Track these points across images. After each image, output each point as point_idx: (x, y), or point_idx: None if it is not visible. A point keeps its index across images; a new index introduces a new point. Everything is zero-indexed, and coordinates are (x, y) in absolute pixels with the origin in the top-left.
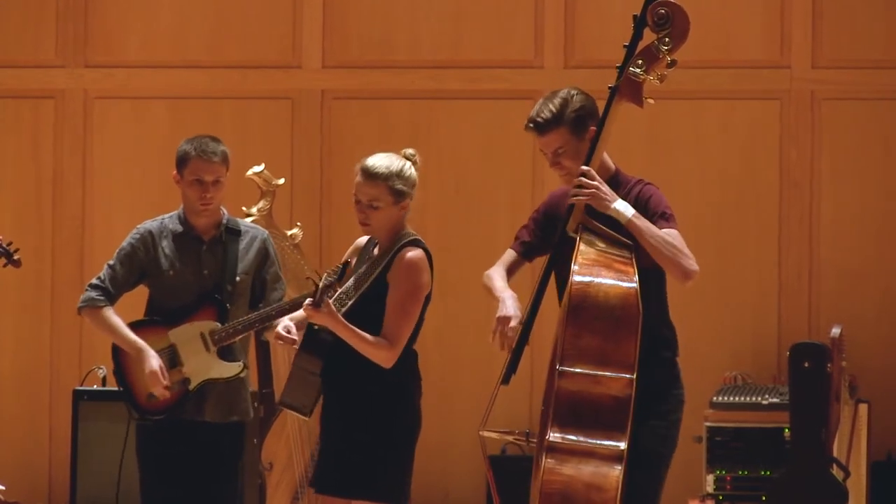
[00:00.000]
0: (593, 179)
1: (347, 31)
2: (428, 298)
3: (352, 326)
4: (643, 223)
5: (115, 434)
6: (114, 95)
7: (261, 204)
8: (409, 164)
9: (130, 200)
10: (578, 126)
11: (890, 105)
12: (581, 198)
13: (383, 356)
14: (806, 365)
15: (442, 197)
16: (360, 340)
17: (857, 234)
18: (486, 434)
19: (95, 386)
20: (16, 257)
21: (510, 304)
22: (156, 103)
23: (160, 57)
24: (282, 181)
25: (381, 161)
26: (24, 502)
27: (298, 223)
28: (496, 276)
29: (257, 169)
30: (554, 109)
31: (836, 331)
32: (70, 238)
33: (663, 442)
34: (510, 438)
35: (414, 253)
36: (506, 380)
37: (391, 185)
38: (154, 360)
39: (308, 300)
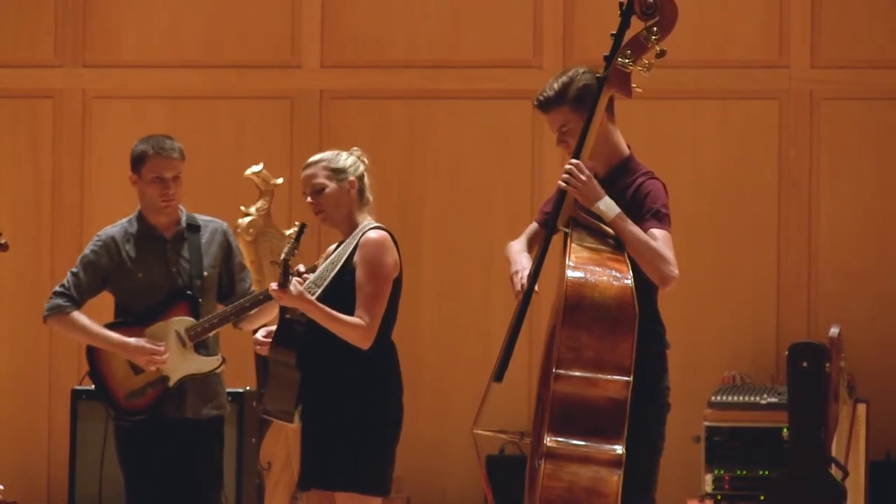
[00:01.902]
0: (582, 173)
1: (346, 32)
2: (399, 285)
3: (323, 306)
4: (625, 225)
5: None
6: (112, 95)
7: (259, 203)
8: (345, 153)
9: (129, 201)
10: (581, 105)
11: (889, 105)
12: (570, 186)
13: (358, 335)
14: (804, 365)
15: (439, 197)
16: (333, 320)
17: (855, 234)
18: (479, 432)
19: (94, 385)
20: (2, 241)
21: (521, 259)
22: (154, 103)
23: (159, 57)
24: (280, 181)
25: (315, 155)
26: (22, 502)
27: (297, 223)
28: (517, 245)
29: (256, 168)
30: (557, 88)
31: (834, 330)
32: (68, 238)
33: (654, 438)
34: (504, 437)
35: (376, 234)
36: (498, 377)
37: (327, 165)
38: (138, 340)
39: (273, 283)
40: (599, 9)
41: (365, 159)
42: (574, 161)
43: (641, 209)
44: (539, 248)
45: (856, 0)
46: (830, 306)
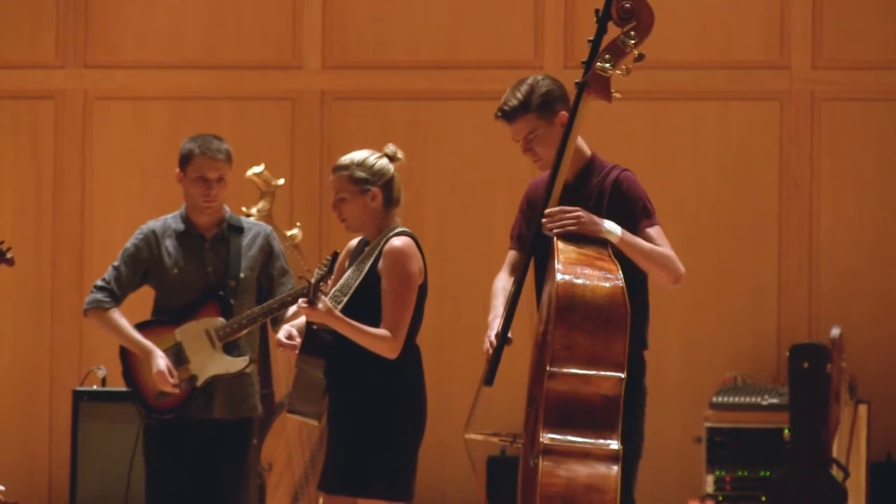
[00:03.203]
0: (571, 212)
1: (347, 32)
2: (424, 290)
3: (350, 321)
4: (632, 239)
5: (116, 434)
6: (114, 96)
7: (261, 204)
8: (376, 155)
9: (130, 201)
10: (546, 111)
11: (890, 106)
12: (570, 228)
13: (386, 347)
14: (805, 365)
15: (439, 197)
16: (361, 333)
17: (856, 235)
18: (470, 437)
19: (95, 386)
20: (9, 255)
21: (498, 308)
22: (156, 104)
23: (160, 58)
24: (282, 182)
25: (347, 155)
26: (23, 502)
27: (298, 223)
28: (500, 291)
29: (257, 169)
30: (520, 96)
31: (835, 331)
32: (70, 238)
33: (633, 438)
34: (496, 440)
35: (400, 241)
36: (488, 381)
37: (351, 175)
38: (161, 360)
39: (302, 299)
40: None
41: (399, 155)
42: (550, 210)
43: (626, 206)
44: (514, 281)
45: (856, 1)
46: (831, 307)
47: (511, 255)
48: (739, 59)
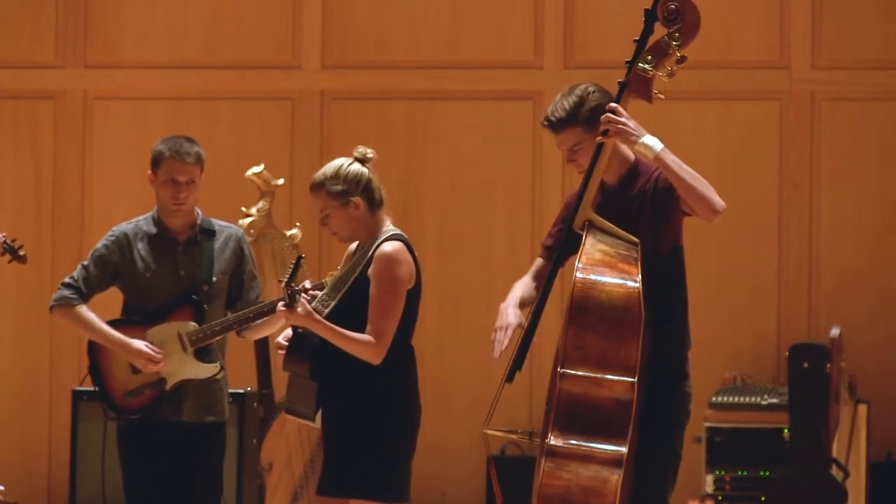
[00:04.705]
0: (620, 115)
1: (346, 32)
2: (418, 291)
3: (331, 325)
4: (672, 158)
5: (115, 434)
6: (113, 96)
7: (260, 204)
8: (347, 162)
9: (130, 201)
10: (593, 124)
11: (890, 105)
12: (609, 135)
13: (369, 352)
14: (805, 365)
15: (440, 197)
16: (342, 338)
17: (856, 235)
18: (490, 432)
19: (92, 382)
20: (21, 253)
21: (508, 313)
22: (155, 104)
23: (160, 58)
24: (281, 181)
25: (319, 171)
26: (23, 502)
27: (298, 223)
28: (518, 288)
29: (256, 169)
30: (568, 108)
31: (835, 331)
32: (69, 238)
33: (674, 441)
34: (514, 437)
35: (391, 246)
36: (510, 377)
37: (328, 189)
38: (138, 343)
39: (281, 303)
40: (600, 9)
41: (370, 154)
42: (612, 105)
43: (668, 199)
44: (545, 279)
45: (856, 1)
46: (831, 307)
47: (537, 262)
48: (739, 59)
